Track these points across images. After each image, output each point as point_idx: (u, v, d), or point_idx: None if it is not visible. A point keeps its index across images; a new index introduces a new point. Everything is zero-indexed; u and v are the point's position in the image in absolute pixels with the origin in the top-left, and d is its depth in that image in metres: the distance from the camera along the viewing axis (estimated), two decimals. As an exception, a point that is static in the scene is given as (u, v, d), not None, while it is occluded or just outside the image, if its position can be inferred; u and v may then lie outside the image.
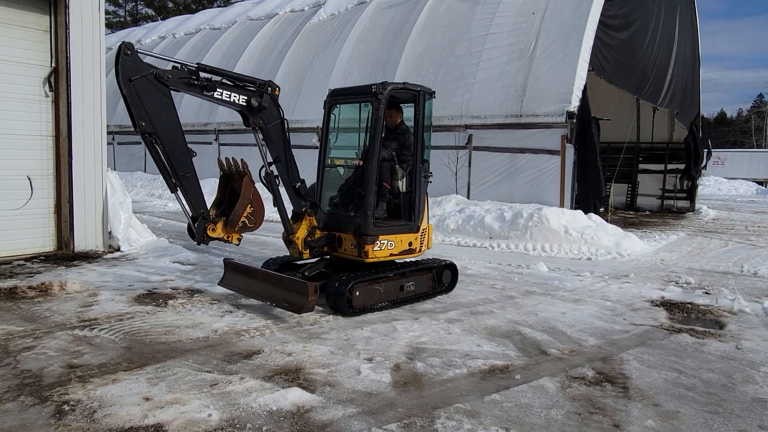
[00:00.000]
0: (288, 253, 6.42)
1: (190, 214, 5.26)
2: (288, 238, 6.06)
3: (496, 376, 4.34)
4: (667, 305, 6.59)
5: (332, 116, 6.58)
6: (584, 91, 11.83)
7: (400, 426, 3.48)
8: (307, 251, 6.09)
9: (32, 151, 8.31)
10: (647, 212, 18.39)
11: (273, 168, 5.83)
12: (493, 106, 12.74)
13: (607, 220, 11.60)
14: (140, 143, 20.77)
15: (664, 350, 5.03)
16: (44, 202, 8.48)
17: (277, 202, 5.89)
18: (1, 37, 7.84)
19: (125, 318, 5.43)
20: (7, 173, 8.07)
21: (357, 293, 5.67)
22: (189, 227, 5.33)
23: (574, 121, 11.62)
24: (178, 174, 5.10)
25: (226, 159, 5.61)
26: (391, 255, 6.12)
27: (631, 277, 8.10)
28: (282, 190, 5.90)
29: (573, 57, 12.01)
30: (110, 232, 8.88)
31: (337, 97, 6.56)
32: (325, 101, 6.60)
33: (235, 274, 6.17)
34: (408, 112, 6.56)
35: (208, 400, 3.71)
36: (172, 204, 15.32)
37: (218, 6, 43.65)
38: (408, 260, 6.58)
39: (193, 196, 5.22)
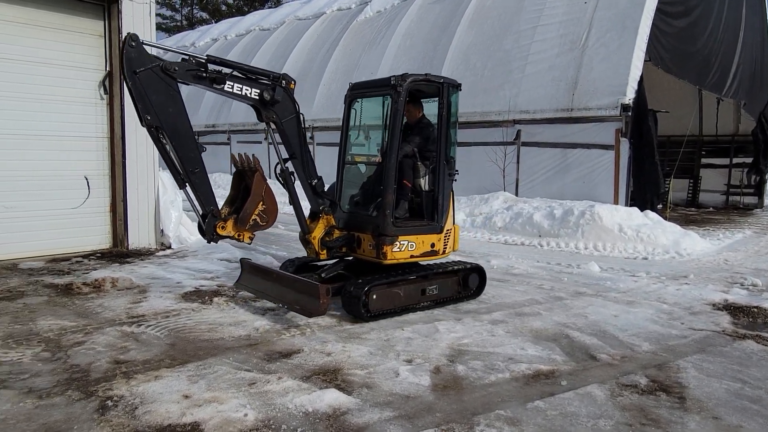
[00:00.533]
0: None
1: (200, 212, 5.12)
2: (304, 238, 5.88)
3: (541, 382, 4.15)
4: (731, 309, 6.17)
5: (353, 111, 6.35)
6: (640, 83, 11.28)
7: (437, 432, 3.37)
8: (324, 252, 5.88)
9: (89, 152, 8.65)
10: (710, 209, 17.41)
11: (289, 165, 5.64)
12: (543, 100, 12.35)
13: (665, 218, 11.03)
14: (194, 143, 21.39)
15: (726, 358, 4.69)
16: (100, 201, 8.82)
17: (293, 200, 5.67)
18: (58, 42, 8.19)
19: (171, 315, 5.54)
20: (67, 173, 8.43)
21: (374, 297, 5.41)
22: (199, 225, 5.19)
23: (629, 114, 11.10)
24: (187, 170, 4.95)
25: (239, 155, 5.44)
26: (412, 257, 5.85)
27: (690, 278, 7.64)
28: (299, 188, 5.74)
29: (628, 47, 11.48)
30: (162, 230, 9.15)
31: (357, 91, 6.29)
32: (345, 95, 6.37)
33: (251, 274, 6.05)
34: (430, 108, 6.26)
35: (246, 399, 3.71)
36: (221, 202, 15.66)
37: (269, 7, 44.49)
38: (432, 262, 6.25)
39: (202, 192, 5.07)
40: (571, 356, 4.69)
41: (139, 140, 8.80)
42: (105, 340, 4.79)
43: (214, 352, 4.59)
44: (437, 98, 5.99)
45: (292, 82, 5.44)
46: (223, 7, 56.15)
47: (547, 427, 3.47)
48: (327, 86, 17.18)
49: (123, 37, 4.51)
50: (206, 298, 6.16)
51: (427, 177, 6.07)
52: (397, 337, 5.05)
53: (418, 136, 6.10)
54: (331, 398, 3.73)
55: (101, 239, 8.88)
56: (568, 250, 9.74)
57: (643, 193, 11.61)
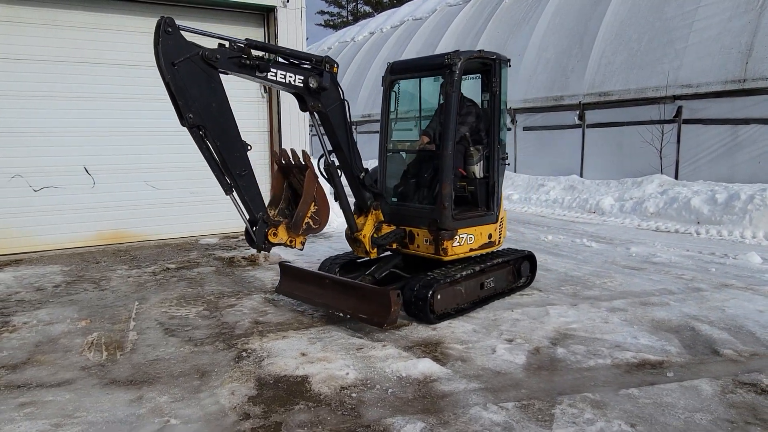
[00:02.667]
0: (350, 250, 5.77)
1: (248, 218, 4.54)
2: (353, 236, 5.41)
3: (644, 371, 4.02)
4: None
5: (393, 94, 5.88)
6: (836, 44, 9.57)
7: (517, 406, 3.52)
8: (375, 250, 5.42)
9: (253, 144, 9.92)
10: None
11: (333, 157, 5.11)
12: (709, 72, 11.07)
13: None
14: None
15: None
16: (262, 188, 10.03)
17: (340, 196, 5.15)
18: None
19: (307, 286, 6.29)
20: (235, 164, 9.80)
21: (439, 297, 4.97)
22: (247, 232, 4.58)
23: (820, 81, 9.49)
24: (233, 172, 4.34)
25: (282, 150, 4.96)
26: (471, 250, 5.48)
27: None
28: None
29: (821, 2, 9.78)
30: (312, 213, 10.16)
31: (398, 73, 5.78)
32: (383, 77, 5.86)
33: (294, 280, 5.52)
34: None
35: (351, 361, 4.21)
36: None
37: (427, -5, 45.01)
38: (483, 253, 5.79)
39: (251, 196, 4.48)
40: (690, 349, 4.42)
41: (293, 133, 9.90)
42: (250, 305, 5.67)
43: (335, 320, 5.18)
44: (479, 75, 5.59)
45: (335, 66, 4.82)
46: (385, 0, 58.19)
47: (634, 413, 3.41)
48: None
49: (157, 23, 3.92)
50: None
51: (480, 163, 5.67)
52: (504, 317, 5.19)
53: (468, 117, 5.63)
54: (424, 367, 4.07)
55: (263, 220, 10.17)
56: (731, 239, 8.74)
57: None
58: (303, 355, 4.34)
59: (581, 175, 13.42)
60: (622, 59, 12.84)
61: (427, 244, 5.35)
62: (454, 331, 4.85)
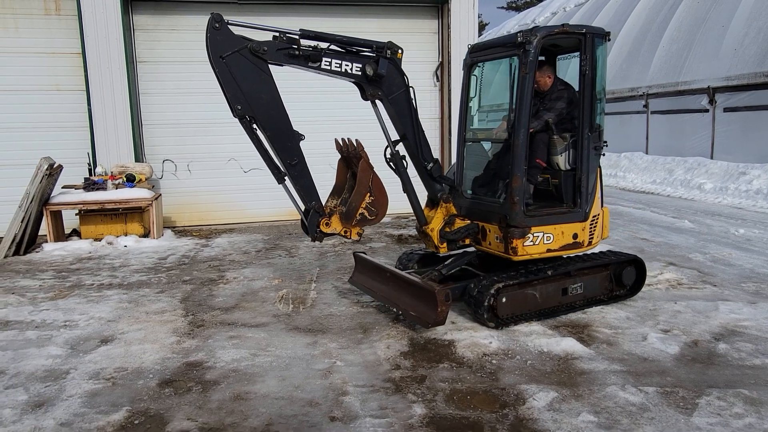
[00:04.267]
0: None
1: (302, 208, 4.61)
2: (422, 230, 5.16)
3: (822, 377, 3.65)
4: None
5: (473, 78, 5.43)
6: None
7: (658, 391, 3.51)
8: (445, 245, 5.11)
9: (427, 131, 10.52)
10: None
11: (400, 147, 4.93)
12: None
13: None
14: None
15: None
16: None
17: (407, 188, 4.97)
18: (406, 43, 10.12)
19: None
20: (408, 149, 10.51)
21: (504, 300, 4.61)
22: (302, 222, 4.68)
23: None
24: (284, 162, 4.45)
25: (342, 140, 4.84)
26: (549, 251, 4.89)
27: None
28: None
29: None
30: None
31: (477, 54, 5.29)
32: (464, 60, 5.43)
33: (364, 271, 5.47)
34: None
35: (496, 333, 4.51)
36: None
37: (621, -34, 41.40)
38: (574, 255, 5.20)
39: (303, 186, 4.54)
40: None
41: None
42: (412, 277, 6.23)
43: (487, 296, 5.48)
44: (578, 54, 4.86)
45: (399, 51, 4.63)
46: (573, -24, 54.83)
47: (795, 415, 3.19)
48: (666, 47, 15.69)
49: (208, 18, 4.11)
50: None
51: (567, 153, 5.07)
52: (664, 308, 5.00)
53: (558, 103, 5.13)
54: (567, 345, 4.20)
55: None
56: None
57: None
58: (453, 323, 4.74)
59: (796, 163, 11.61)
60: None
61: (498, 241, 4.95)
62: (605, 316, 4.84)
